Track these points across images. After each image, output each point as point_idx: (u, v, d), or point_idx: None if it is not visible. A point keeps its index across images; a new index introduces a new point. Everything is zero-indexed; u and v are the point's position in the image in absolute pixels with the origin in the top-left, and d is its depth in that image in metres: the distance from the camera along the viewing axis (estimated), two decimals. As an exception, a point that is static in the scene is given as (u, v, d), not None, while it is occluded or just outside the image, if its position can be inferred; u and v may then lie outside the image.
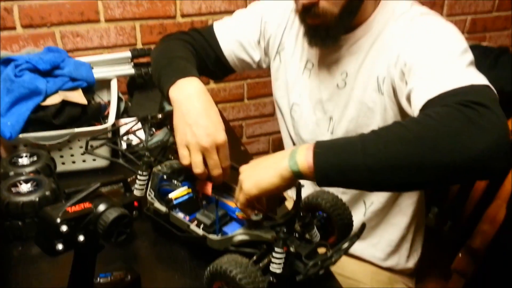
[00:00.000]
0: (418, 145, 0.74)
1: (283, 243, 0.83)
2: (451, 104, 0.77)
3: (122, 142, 1.23)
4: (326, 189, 0.96)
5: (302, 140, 1.27)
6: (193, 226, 0.95)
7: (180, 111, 1.00)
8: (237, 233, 0.91)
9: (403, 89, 0.98)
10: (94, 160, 1.32)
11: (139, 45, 1.84)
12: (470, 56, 0.92)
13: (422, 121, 0.77)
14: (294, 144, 1.32)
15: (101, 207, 0.78)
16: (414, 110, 0.90)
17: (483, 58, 1.61)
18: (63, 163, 1.30)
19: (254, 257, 0.87)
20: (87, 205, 0.78)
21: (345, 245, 0.84)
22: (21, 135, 1.22)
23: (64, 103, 1.29)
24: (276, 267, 0.83)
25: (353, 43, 1.12)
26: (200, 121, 0.97)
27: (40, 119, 1.25)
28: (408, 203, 1.23)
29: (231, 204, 0.99)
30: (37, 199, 1.02)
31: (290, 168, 0.82)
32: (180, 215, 0.99)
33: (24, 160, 1.15)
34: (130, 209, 0.83)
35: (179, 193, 1.01)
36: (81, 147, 1.29)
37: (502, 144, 0.73)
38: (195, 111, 0.98)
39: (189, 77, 1.06)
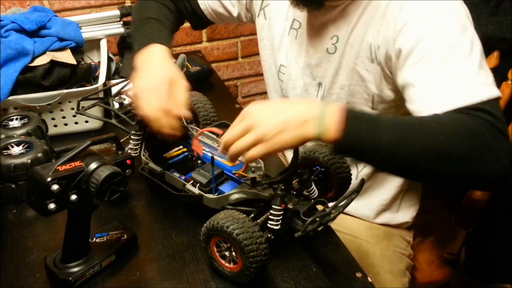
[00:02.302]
0: (448, 153, 0.77)
1: (280, 200, 0.82)
2: (479, 121, 0.80)
3: (114, 102, 1.20)
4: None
5: None
6: (189, 186, 0.94)
7: (137, 79, 1.01)
8: (234, 191, 0.90)
9: (400, 70, 0.93)
10: (86, 122, 1.29)
11: (128, 3, 1.78)
12: (479, 47, 0.89)
13: (459, 129, 0.78)
14: None
15: (93, 165, 0.77)
16: (420, 109, 0.87)
17: (484, 4, 1.57)
18: (55, 126, 1.27)
19: (252, 215, 0.86)
20: (78, 163, 0.77)
21: (344, 201, 0.82)
22: (10, 97, 1.19)
23: (53, 64, 1.26)
24: (274, 224, 0.82)
25: (346, 5, 1.04)
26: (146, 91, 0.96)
27: (29, 80, 1.22)
28: None
29: (227, 163, 0.98)
30: (29, 161, 1.00)
31: (317, 135, 0.78)
32: (176, 174, 0.98)
33: (14, 123, 1.13)
34: (123, 167, 0.82)
35: (174, 152, 0.99)
36: (72, 108, 1.26)
37: (508, 173, 0.79)
38: (146, 83, 0.98)
39: (152, 44, 1.05)
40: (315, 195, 0.89)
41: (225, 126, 1.04)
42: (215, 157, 0.92)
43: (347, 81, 1.08)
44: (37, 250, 0.91)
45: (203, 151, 1.00)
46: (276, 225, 0.82)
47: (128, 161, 0.84)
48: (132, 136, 1.06)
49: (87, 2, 1.70)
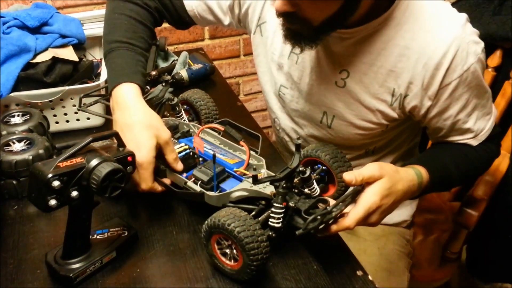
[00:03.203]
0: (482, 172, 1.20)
1: (282, 198, 0.82)
2: (496, 147, 1.12)
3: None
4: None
5: (294, 122, 1.19)
6: (190, 183, 0.94)
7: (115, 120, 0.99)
8: (235, 189, 0.89)
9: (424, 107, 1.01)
10: (88, 119, 1.29)
11: None
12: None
13: (487, 159, 1.12)
14: (279, 124, 1.24)
15: (94, 162, 0.77)
16: (439, 137, 1.08)
17: (487, 3, 1.56)
18: (56, 122, 1.27)
19: (254, 212, 0.86)
20: (79, 160, 0.77)
21: (346, 199, 0.83)
22: (12, 94, 1.19)
23: (55, 61, 1.26)
24: (275, 222, 0.82)
25: (357, 40, 0.99)
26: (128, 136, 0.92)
27: (31, 77, 1.22)
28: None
29: (228, 161, 0.98)
30: (30, 158, 1.00)
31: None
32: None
33: (16, 119, 1.13)
34: (124, 164, 0.82)
35: (176, 150, 0.99)
36: (74, 105, 1.26)
37: None
38: (126, 128, 0.94)
39: (122, 84, 0.99)
40: (317, 194, 0.89)
41: (227, 124, 1.04)
42: (216, 154, 0.92)
43: (355, 115, 1.06)
44: (38, 247, 0.91)
45: (205, 149, 1.00)
46: (277, 223, 0.82)
47: (129, 158, 0.84)
48: None
49: (89, -1, 1.70)
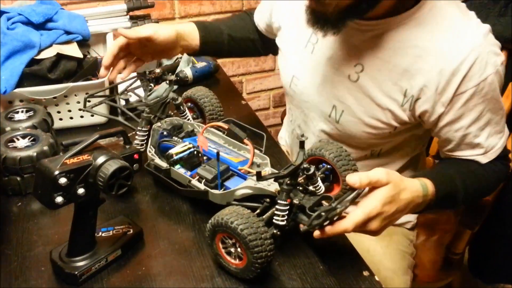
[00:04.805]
0: (489, 192, 1.17)
1: (286, 195, 0.82)
2: (506, 168, 1.10)
3: (120, 99, 1.20)
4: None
5: (304, 114, 1.20)
6: (194, 181, 0.93)
7: None
8: (240, 187, 0.89)
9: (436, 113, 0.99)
10: (92, 116, 1.28)
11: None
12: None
13: (498, 179, 1.09)
14: (291, 115, 1.28)
15: (101, 159, 0.76)
16: (448, 150, 1.06)
17: (492, 5, 1.56)
18: (60, 119, 1.27)
19: (258, 210, 0.85)
20: (86, 157, 0.76)
21: (350, 196, 0.82)
22: (16, 90, 1.19)
23: (59, 57, 1.25)
24: (279, 219, 0.82)
25: (376, 35, 0.98)
26: None
27: (35, 73, 1.21)
28: (407, 174, 1.21)
29: (232, 159, 0.97)
30: (34, 154, 0.99)
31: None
32: (181, 170, 0.97)
33: (20, 116, 1.12)
34: (130, 161, 0.82)
35: (180, 148, 0.98)
36: (78, 102, 1.25)
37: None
38: None
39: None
40: (321, 192, 0.89)
41: (231, 123, 1.04)
42: (220, 153, 0.92)
43: (365, 112, 1.05)
44: (42, 243, 0.91)
45: (209, 147, 1.00)
46: (282, 220, 0.82)
47: (135, 156, 0.83)
48: (138, 132, 1.06)
49: (93, -5, 1.69)
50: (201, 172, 0.93)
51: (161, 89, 1.27)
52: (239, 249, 0.79)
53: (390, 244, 1.25)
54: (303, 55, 1.12)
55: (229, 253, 0.82)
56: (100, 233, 0.88)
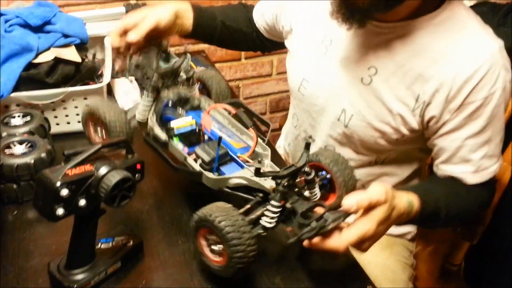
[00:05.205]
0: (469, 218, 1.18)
1: (281, 196, 0.78)
2: (491, 193, 1.10)
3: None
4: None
5: (312, 118, 1.18)
6: (190, 160, 0.90)
7: None
8: (235, 175, 0.86)
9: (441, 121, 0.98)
10: (89, 120, 1.26)
11: (133, 1, 1.75)
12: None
13: (478, 206, 1.09)
14: (297, 120, 1.25)
15: (103, 170, 0.74)
16: (441, 162, 1.03)
17: (492, 14, 1.56)
18: (57, 124, 1.24)
19: (247, 206, 0.81)
20: (88, 167, 0.74)
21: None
22: (13, 94, 1.16)
23: (57, 61, 1.23)
24: (268, 221, 0.79)
25: (393, 37, 0.98)
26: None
27: (32, 77, 1.19)
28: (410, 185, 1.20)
29: (234, 144, 0.93)
30: (32, 161, 0.97)
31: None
32: (180, 146, 0.93)
33: (17, 121, 1.10)
34: (133, 172, 0.79)
35: (182, 123, 0.95)
36: (76, 107, 1.23)
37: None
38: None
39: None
40: (317, 198, 0.86)
41: (238, 105, 0.99)
42: (223, 136, 0.88)
43: (376, 115, 1.03)
44: (39, 254, 0.88)
45: (212, 128, 0.95)
46: (270, 223, 0.79)
47: (138, 166, 0.81)
48: (143, 98, 1.01)
49: (91, -2, 1.66)
50: (199, 152, 0.89)
51: (179, 61, 1.11)
52: (220, 246, 0.76)
53: (391, 256, 1.24)
54: (315, 57, 1.11)
55: (212, 251, 0.79)
56: (100, 244, 0.86)
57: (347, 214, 0.78)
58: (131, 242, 0.88)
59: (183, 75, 1.03)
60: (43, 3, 1.35)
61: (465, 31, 0.95)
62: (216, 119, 1.01)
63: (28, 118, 1.11)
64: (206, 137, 0.96)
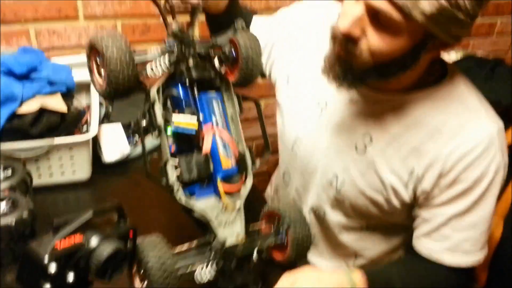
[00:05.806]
0: None
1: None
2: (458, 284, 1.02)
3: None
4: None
5: (304, 179, 1.14)
6: (170, 165, 0.78)
7: None
8: (198, 207, 0.79)
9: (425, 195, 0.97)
10: (73, 171, 1.21)
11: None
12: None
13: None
14: (289, 178, 1.20)
15: (94, 241, 0.70)
16: (422, 234, 1.00)
17: (479, 69, 1.58)
18: (39, 176, 1.19)
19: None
20: (77, 238, 0.69)
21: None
22: (-6, 146, 1.11)
23: (42, 111, 1.18)
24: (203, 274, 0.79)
25: (391, 108, 0.96)
26: None
27: (16, 128, 1.13)
28: (398, 253, 1.17)
29: (223, 161, 0.82)
30: (13, 224, 0.91)
31: None
32: (170, 141, 0.81)
33: (-3, 174, 1.04)
34: (125, 240, 0.74)
35: (185, 122, 0.81)
36: (60, 158, 1.18)
37: None
38: None
39: None
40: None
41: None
42: (217, 143, 0.82)
43: (369, 185, 1.01)
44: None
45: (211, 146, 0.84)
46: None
47: (130, 234, 0.76)
48: (157, 59, 0.79)
49: (77, 42, 1.63)
50: (182, 163, 0.79)
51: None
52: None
53: None
54: (309, 117, 1.07)
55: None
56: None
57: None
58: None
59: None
60: (28, 50, 1.31)
61: (464, 108, 0.94)
62: (215, 109, 0.86)
63: (9, 171, 1.04)
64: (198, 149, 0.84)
